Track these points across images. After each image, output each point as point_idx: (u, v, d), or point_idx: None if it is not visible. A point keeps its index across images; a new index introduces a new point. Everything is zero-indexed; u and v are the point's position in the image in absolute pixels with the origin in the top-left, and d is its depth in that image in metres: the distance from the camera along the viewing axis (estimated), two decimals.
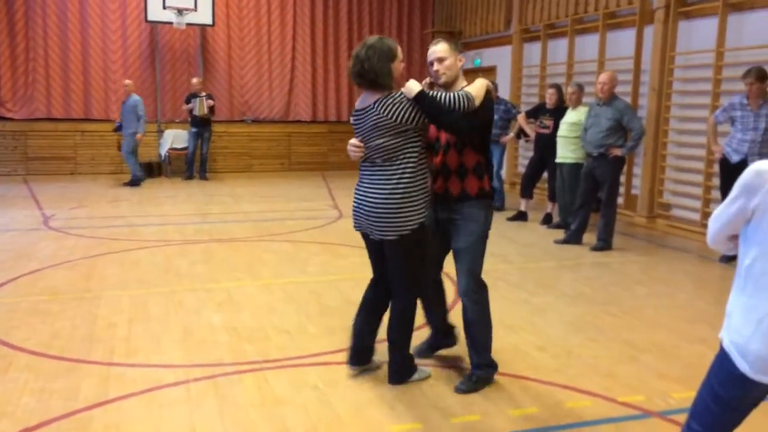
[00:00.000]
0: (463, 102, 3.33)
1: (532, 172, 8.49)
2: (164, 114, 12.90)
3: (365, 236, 3.59)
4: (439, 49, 3.49)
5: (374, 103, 3.33)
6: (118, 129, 11.15)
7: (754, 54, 6.91)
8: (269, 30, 13.35)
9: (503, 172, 9.73)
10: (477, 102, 3.39)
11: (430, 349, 4.00)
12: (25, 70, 12.11)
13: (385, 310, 3.68)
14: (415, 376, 3.66)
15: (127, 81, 11.15)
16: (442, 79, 3.50)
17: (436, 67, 3.49)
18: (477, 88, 3.42)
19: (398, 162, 3.35)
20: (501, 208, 9.11)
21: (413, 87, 3.29)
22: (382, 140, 3.34)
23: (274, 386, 3.56)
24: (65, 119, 12.38)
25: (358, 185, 3.52)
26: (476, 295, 3.56)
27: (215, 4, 12.43)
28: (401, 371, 3.63)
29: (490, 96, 3.49)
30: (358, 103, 3.46)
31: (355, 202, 3.52)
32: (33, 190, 10.56)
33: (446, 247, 3.69)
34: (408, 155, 3.36)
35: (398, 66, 3.39)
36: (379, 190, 3.37)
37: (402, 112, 3.29)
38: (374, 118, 3.33)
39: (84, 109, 12.48)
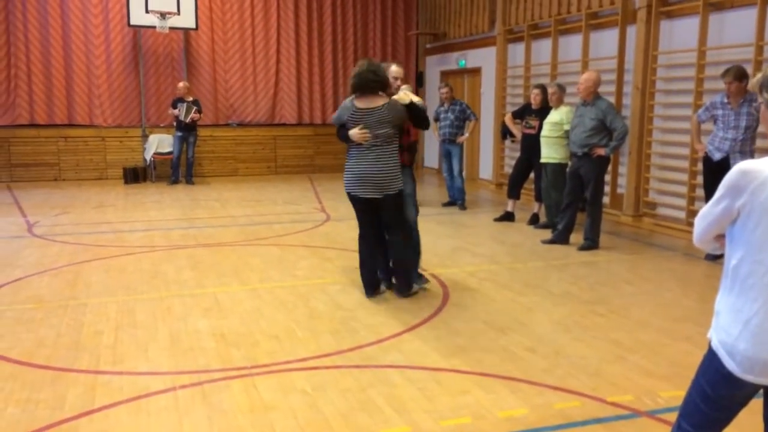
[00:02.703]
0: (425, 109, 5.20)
1: (519, 172, 8.51)
2: (149, 119, 12.82)
3: (359, 200, 5.01)
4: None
5: (383, 105, 4.87)
6: None
7: (735, 53, 6.97)
8: (253, 33, 13.31)
9: (492, 172, 9.74)
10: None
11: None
12: (6, 77, 12.00)
13: (382, 249, 5.21)
14: (416, 286, 5.27)
15: None
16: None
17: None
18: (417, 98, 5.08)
19: (394, 145, 4.98)
20: (463, 207, 9.35)
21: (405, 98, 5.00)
22: (385, 130, 4.88)
23: (263, 392, 3.54)
24: (48, 125, 12.28)
25: (356, 164, 4.94)
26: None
27: (198, 7, 12.35)
28: (409, 282, 5.20)
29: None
30: (362, 104, 4.91)
31: (358, 174, 4.94)
32: (16, 196, 10.46)
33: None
34: (396, 140, 5.00)
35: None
36: (385, 162, 4.91)
37: (401, 114, 4.94)
38: (381, 115, 4.86)
39: (67, 114, 12.39)
